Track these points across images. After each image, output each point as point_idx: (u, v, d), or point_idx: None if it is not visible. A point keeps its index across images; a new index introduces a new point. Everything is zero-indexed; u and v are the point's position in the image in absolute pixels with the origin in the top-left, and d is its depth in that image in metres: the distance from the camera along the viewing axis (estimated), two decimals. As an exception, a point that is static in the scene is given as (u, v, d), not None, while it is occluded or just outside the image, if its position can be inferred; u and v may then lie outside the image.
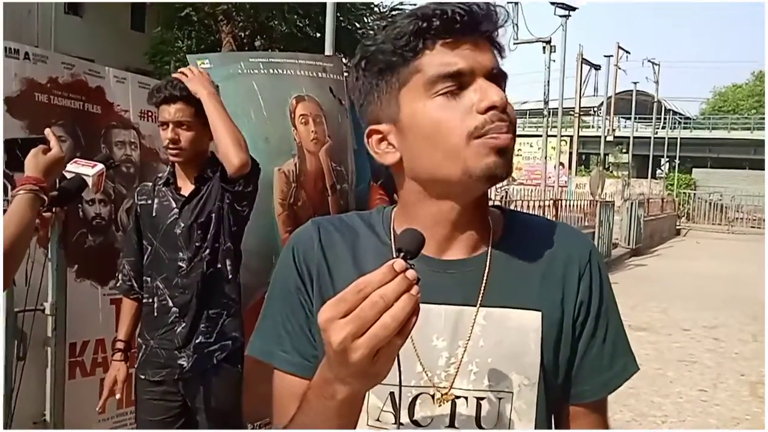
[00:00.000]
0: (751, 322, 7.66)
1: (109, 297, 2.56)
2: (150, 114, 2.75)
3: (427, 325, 0.84)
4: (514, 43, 15.64)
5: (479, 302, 0.85)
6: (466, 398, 0.84)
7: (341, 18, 14.12)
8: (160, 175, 2.24)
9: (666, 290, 9.65)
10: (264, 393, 0.97)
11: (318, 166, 3.38)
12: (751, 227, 23.90)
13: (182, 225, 2.11)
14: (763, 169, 36.99)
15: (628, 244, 14.19)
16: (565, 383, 0.89)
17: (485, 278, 0.85)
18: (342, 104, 3.49)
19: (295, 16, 14.06)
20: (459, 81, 0.80)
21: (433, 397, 0.84)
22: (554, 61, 15.79)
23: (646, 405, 4.57)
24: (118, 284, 2.29)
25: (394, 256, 0.66)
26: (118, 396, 2.20)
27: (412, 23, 0.80)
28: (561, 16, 16.31)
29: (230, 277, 2.17)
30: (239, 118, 3.07)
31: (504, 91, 0.83)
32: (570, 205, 11.14)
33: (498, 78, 0.82)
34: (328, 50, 4.49)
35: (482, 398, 0.84)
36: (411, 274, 0.63)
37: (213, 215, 2.12)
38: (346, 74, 3.50)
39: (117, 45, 17.08)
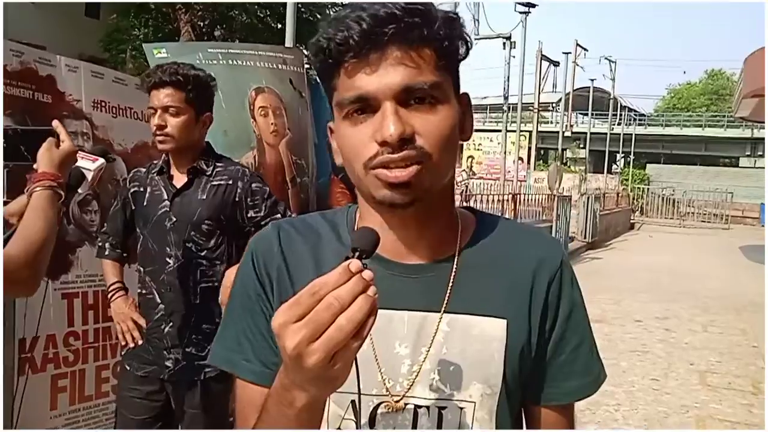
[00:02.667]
0: (701, 313, 7.92)
1: (60, 291, 2.50)
2: (103, 104, 2.68)
3: (390, 332, 0.82)
4: (476, 39, 15.76)
5: (443, 308, 0.82)
6: (427, 407, 0.82)
7: (303, 9, 13.98)
8: (154, 162, 2.18)
9: (620, 283, 9.88)
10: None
11: (278, 159, 3.35)
12: (702, 221, 24.66)
13: (173, 219, 2.04)
14: (714, 165, 38.22)
15: (585, 238, 14.48)
16: (533, 388, 0.87)
17: (450, 284, 0.83)
18: (302, 97, 3.46)
19: (256, 7, 13.88)
20: (365, 105, 0.75)
21: (393, 405, 0.82)
22: (514, 57, 16.00)
23: (599, 394, 4.61)
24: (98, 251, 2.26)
25: (350, 256, 0.64)
26: (137, 337, 2.07)
27: (320, 41, 0.76)
28: (521, 13, 16.51)
29: None
30: (197, 109, 3.05)
31: (437, 102, 0.76)
32: (528, 200, 11.31)
33: (411, 94, 0.74)
34: (289, 42, 4.45)
35: (443, 407, 0.82)
36: (367, 274, 0.61)
37: (212, 216, 2.04)
38: (306, 66, 3.48)
39: (70, 32, 16.55)
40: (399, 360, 0.82)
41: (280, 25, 13.25)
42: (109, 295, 2.14)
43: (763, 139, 35.05)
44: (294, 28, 4.47)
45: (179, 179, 2.08)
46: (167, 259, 2.05)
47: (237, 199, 2.06)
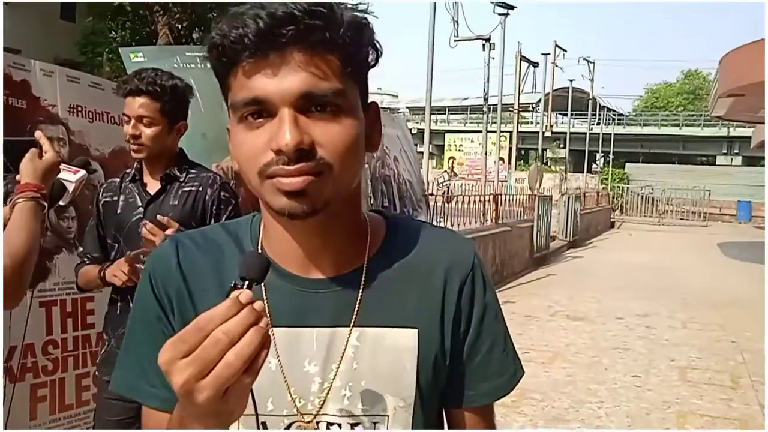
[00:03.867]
0: (681, 309, 8.02)
1: (38, 299, 2.46)
2: (79, 109, 2.65)
3: (299, 350, 0.80)
4: (455, 41, 15.80)
5: (352, 322, 0.80)
6: (339, 425, 0.80)
7: (281, 11, 13.91)
8: (127, 170, 2.17)
9: (601, 281, 9.98)
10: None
11: (258, 162, 3.34)
12: (680, 219, 25.01)
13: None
14: (692, 164, 38.74)
15: (566, 237, 14.60)
16: (452, 392, 0.86)
17: (359, 297, 0.80)
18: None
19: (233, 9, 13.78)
20: (261, 108, 0.70)
21: (305, 425, 0.80)
22: (494, 58, 16.04)
23: (582, 392, 4.72)
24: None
25: (238, 285, 0.61)
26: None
27: (214, 37, 0.72)
28: (500, 14, 16.58)
29: None
30: (175, 113, 3.02)
31: (340, 111, 0.72)
32: (509, 200, 11.37)
33: (319, 100, 0.70)
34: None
35: (356, 424, 0.80)
36: (258, 305, 0.59)
37: (183, 222, 1.99)
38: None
39: (45, 35, 16.34)
40: (309, 378, 0.80)
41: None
42: (102, 274, 2.03)
43: (739, 137, 35.66)
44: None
45: (153, 186, 2.09)
46: (142, 266, 2.02)
47: (204, 205, 2.08)
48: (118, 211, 2.08)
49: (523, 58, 21.90)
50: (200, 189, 2.09)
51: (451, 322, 0.84)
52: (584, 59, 29.63)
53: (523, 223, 11.25)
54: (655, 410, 4.43)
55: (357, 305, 0.80)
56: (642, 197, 27.26)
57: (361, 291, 0.81)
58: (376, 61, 0.77)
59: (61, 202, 1.68)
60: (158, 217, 1.92)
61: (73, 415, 2.55)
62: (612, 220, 22.59)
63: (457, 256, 0.86)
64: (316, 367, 0.80)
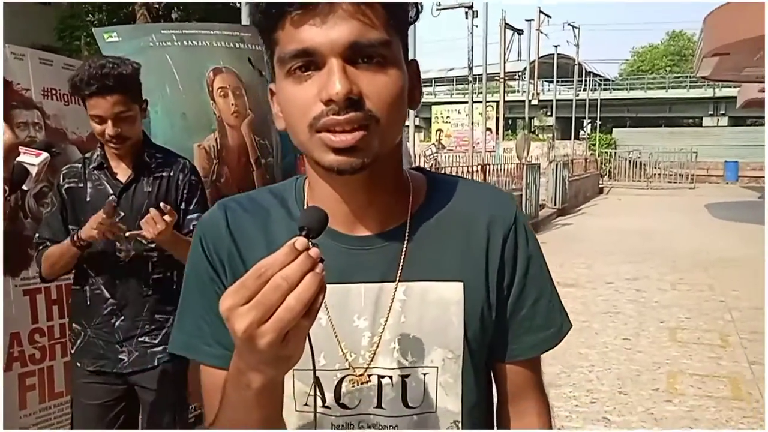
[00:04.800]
0: (669, 272, 8.09)
1: (21, 288, 2.44)
2: (54, 92, 2.59)
3: (347, 306, 0.82)
4: (437, 9, 15.63)
5: (398, 277, 0.82)
6: (390, 377, 0.82)
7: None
8: (87, 156, 2.10)
9: (591, 247, 10.04)
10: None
11: (240, 141, 3.29)
12: (668, 182, 25.13)
13: (121, 214, 1.99)
14: (678, 126, 38.83)
15: (555, 205, 14.64)
16: (498, 345, 0.87)
17: (404, 252, 0.82)
18: (262, 75, 3.39)
19: (213, -14, 13.52)
20: (309, 60, 0.71)
21: (357, 378, 0.82)
22: (477, 26, 15.88)
23: (574, 357, 4.77)
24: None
25: (298, 235, 0.63)
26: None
27: None
28: (482, -19, 16.37)
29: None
30: (152, 93, 2.95)
31: (387, 63, 0.73)
32: (497, 169, 11.37)
33: (367, 50, 0.71)
34: (245, 20, 4.35)
35: (407, 375, 0.82)
36: (314, 251, 0.60)
37: (159, 207, 1.96)
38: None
39: (21, 20, 16.00)
40: (359, 333, 0.82)
41: (239, 4, 12.94)
42: (75, 237, 1.94)
43: (725, 98, 35.72)
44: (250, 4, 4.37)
45: (123, 173, 2.04)
46: (118, 254, 2.02)
47: (177, 190, 2.08)
48: (88, 199, 2.02)
49: (508, 26, 21.71)
50: (172, 174, 2.08)
51: (495, 275, 0.85)
52: (569, 25, 29.39)
53: (511, 192, 11.27)
54: (645, 371, 4.49)
55: (402, 260, 0.82)
56: (630, 162, 27.34)
57: (405, 246, 0.83)
58: (416, 17, 0.79)
59: (24, 187, 1.63)
60: (161, 205, 1.91)
61: (63, 402, 2.55)
62: (600, 186, 22.66)
63: (498, 209, 0.87)
64: (366, 322, 0.82)
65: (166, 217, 1.87)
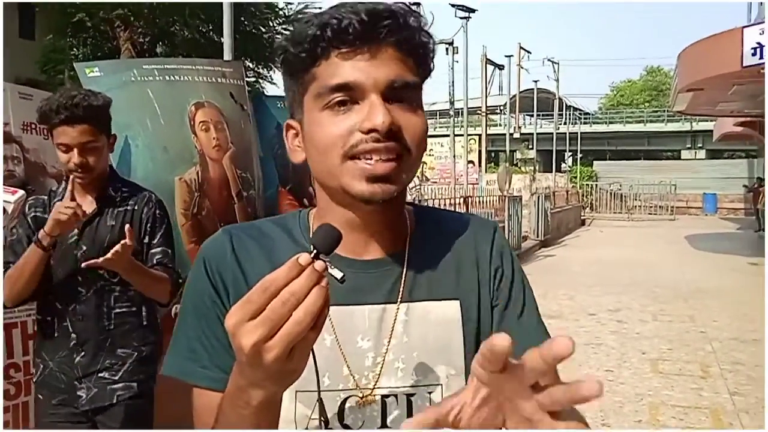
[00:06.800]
0: (651, 303, 8.15)
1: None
2: (33, 126, 2.60)
3: (352, 327, 0.84)
4: (420, 45, 15.90)
5: (399, 298, 0.85)
6: (395, 396, 0.83)
7: (246, 22, 13.84)
8: (53, 189, 2.10)
9: (573, 278, 10.09)
10: (177, 414, 0.92)
11: (222, 174, 3.31)
12: (648, 214, 25.43)
13: (83, 248, 1.98)
14: (657, 159, 39.45)
15: (537, 236, 14.74)
16: None
17: (404, 274, 0.86)
18: (244, 110, 3.42)
19: (197, 21, 13.68)
20: (349, 95, 0.77)
21: (362, 398, 0.83)
22: (458, 62, 16.20)
23: (557, 389, 4.75)
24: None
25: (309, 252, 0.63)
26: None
27: (309, 29, 0.77)
28: (462, 18, 16.74)
29: (145, 323, 2.07)
30: (133, 128, 2.99)
31: (414, 104, 0.80)
32: (480, 201, 11.45)
33: (402, 91, 0.78)
34: (228, 55, 4.40)
35: (412, 395, 0.84)
36: (319, 265, 0.61)
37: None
38: (250, 79, 3.44)
39: (5, 54, 16.02)
40: (363, 354, 0.84)
41: (223, 40, 13.08)
42: (38, 237, 1.90)
43: (702, 131, 36.44)
44: (232, 40, 4.43)
45: (86, 205, 2.00)
46: (79, 288, 1.99)
47: (141, 224, 2.06)
48: None
49: (489, 61, 22.12)
50: (136, 208, 2.07)
51: (487, 287, 0.90)
52: (549, 60, 30.02)
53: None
54: (628, 403, 4.49)
55: (402, 282, 0.86)
56: (611, 194, 27.68)
57: (405, 270, 0.87)
58: (430, 72, 0.85)
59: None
60: (126, 227, 1.88)
61: (37, 439, 2.49)
62: (582, 217, 22.88)
63: (479, 227, 0.94)
64: (369, 343, 0.84)
65: (125, 241, 1.84)
